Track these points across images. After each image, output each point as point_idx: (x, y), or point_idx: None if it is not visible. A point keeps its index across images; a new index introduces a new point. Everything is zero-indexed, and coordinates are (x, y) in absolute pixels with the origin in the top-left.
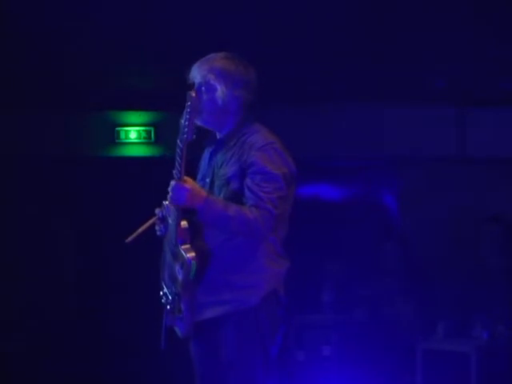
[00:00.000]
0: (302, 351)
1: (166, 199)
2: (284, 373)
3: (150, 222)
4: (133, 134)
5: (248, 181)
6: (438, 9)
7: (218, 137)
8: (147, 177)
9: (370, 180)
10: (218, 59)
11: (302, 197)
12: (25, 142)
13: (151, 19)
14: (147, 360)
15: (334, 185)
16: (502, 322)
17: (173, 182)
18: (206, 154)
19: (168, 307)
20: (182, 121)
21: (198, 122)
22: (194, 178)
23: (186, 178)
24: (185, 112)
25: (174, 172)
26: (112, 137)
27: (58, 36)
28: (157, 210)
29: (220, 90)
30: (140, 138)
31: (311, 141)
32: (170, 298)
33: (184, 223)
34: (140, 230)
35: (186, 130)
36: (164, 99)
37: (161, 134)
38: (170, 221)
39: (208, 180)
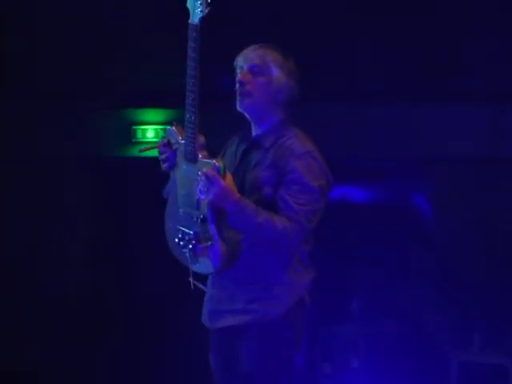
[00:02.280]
0: (329, 363)
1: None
2: None
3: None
4: (150, 132)
5: (282, 191)
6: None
7: (253, 133)
8: (165, 177)
9: (401, 183)
10: (269, 47)
11: (329, 199)
12: (36, 141)
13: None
14: (156, 362)
15: (363, 187)
16: None
17: (209, 172)
18: (232, 149)
19: (191, 246)
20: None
21: (243, 107)
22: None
23: (226, 171)
24: None
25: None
26: (128, 136)
27: (71, 31)
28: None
29: (277, 75)
30: (157, 137)
31: (337, 141)
32: (192, 232)
33: (202, 138)
34: (154, 145)
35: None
36: (182, 97)
37: None
38: (178, 141)
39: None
